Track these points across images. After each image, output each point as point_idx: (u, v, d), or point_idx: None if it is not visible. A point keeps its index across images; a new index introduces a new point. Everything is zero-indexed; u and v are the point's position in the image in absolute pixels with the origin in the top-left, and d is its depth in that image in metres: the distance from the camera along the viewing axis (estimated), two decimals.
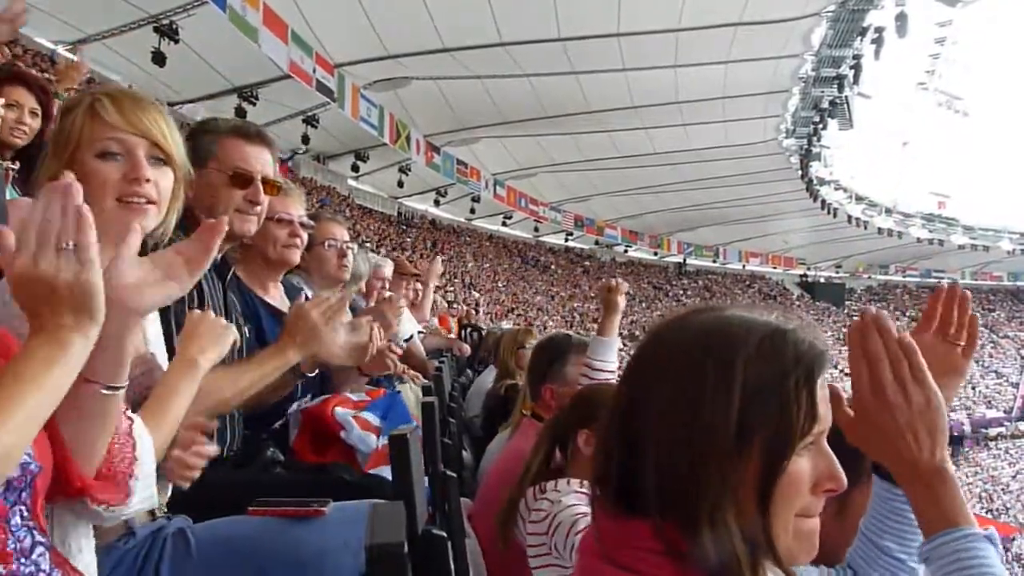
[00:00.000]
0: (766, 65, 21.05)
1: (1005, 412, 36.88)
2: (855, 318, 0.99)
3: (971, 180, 42.18)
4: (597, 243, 36.26)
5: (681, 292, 38.54)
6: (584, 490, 1.82)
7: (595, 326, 2.91)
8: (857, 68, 22.63)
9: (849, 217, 36.01)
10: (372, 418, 2.02)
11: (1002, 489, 31.79)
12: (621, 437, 0.82)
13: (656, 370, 0.82)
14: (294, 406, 2.11)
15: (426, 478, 1.78)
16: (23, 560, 0.88)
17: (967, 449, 32.92)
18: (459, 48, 17.99)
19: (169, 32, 15.00)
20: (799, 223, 36.63)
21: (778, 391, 0.77)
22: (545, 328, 21.96)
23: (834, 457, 0.82)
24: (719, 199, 32.20)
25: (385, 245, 21.92)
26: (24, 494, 0.91)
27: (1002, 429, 35.19)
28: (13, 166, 2.87)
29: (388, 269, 4.26)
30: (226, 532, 1.40)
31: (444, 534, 1.22)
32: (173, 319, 1.64)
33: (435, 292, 5.86)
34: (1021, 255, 42.13)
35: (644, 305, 34.30)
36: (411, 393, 3.06)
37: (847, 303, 43.75)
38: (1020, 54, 41.45)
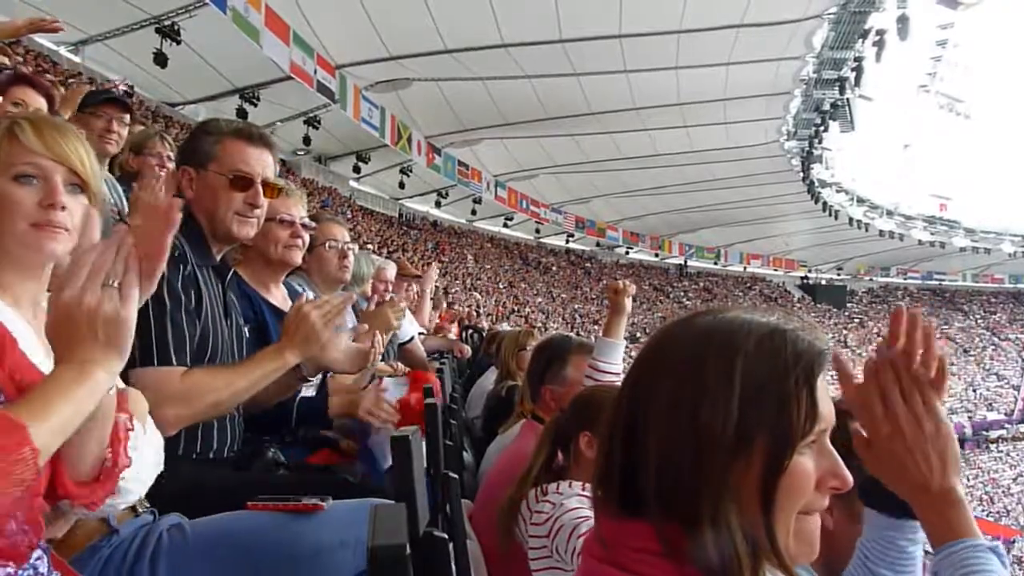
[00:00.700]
0: (768, 67, 21.06)
1: (1006, 415, 36.83)
2: (871, 355, 1.02)
3: (973, 182, 42.13)
4: (598, 245, 36.28)
5: (682, 294, 38.53)
6: (586, 493, 1.82)
7: (596, 328, 2.91)
8: (859, 70, 22.63)
9: (850, 219, 36.02)
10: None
11: (1003, 492, 31.75)
12: (623, 438, 0.82)
13: (657, 371, 0.82)
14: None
15: (427, 479, 1.78)
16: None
17: (968, 452, 32.89)
18: (461, 49, 18.01)
19: (171, 33, 15.03)
20: (800, 225, 36.65)
21: (778, 390, 0.77)
22: (546, 330, 21.95)
23: (838, 456, 0.82)
24: (720, 201, 32.21)
25: (386, 246, 21.92)
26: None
27: (1003, 432, 35.16)
28: None
29: (391, 271, 4.27)
30: (224, 526, 1.40)
31: (446, 536, 1.21)
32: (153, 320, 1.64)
33: (437, 292, 5.87)
34: (1022, 257, 42.12)
35: (645, 307, 34.28)
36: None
37: (848, 305, 43.75)
38: (1022, 57, 41.43)
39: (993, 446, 34.38)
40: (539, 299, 30.81)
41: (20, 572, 0.88)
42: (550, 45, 18.19)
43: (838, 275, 44.67)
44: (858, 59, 22.21)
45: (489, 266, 30.20)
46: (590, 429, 1.96)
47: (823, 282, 44.49)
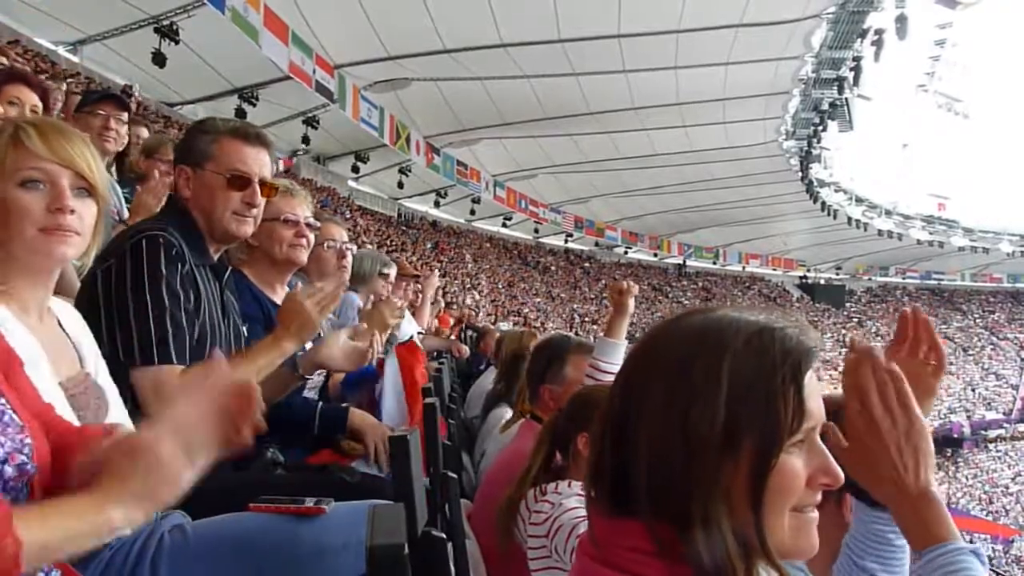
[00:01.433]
0: (766, 67, 21.07)
1: (1005, 414, 36.83)
2: (848, 352, 1.03)
3: (971, 182, 42.24)
4: (597, 244, 36.26)
5: (681, 294, 38.51)
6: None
7: (595, 328, 2.91)
8: (857, 70, 22.66)
9: (849, 219, 36.02)
10: None
11: (1001, 491, 31.76)
12: (614, 437, 0.82)
13: (648, 370, 0.83)
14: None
15: (426, 479, 1.78)
16: None
17: (966, 451, 32.92)
18: (459, 49, 18.00)
19: (169, 33, 15.01)
20: (799, 225, 36.65)
21: (764, 388, 0.77)
22: (545, 330, 21.94)
23: (828, 453, 0.82)
24: (719, 201, 32.20)
25: (385, 246, 21.90)
26: (22, 495, 0.91)
27: (1001, 431, 35.14)
28: None
29: (392, 271, 4.26)
30: (226, 528, 1.39)
31: (444, 536, 1.22)
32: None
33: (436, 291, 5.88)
34: (1021, 257, 42.14)
35: (644, 307, 34.20)
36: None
37: (847, 305, 43.76)
38: (1020, 56, 41.47)
39: (992, 445, 34.38)
40: (538, 299, 30.80)
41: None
42: (549, 45, 18.18)
43: (837, 275, 44.66)
44: (857, 59, 22.24)
45: (488, 266, 30.17)
46: (588, 429, 1.96)
47: (822, 282, 44.48)
